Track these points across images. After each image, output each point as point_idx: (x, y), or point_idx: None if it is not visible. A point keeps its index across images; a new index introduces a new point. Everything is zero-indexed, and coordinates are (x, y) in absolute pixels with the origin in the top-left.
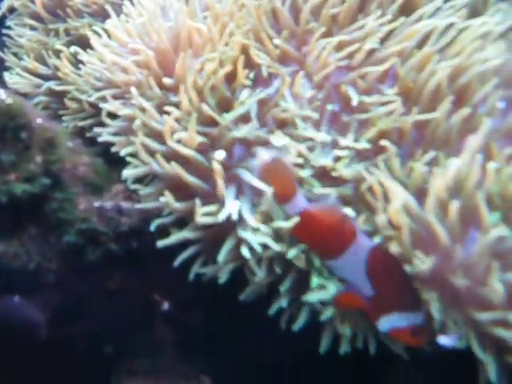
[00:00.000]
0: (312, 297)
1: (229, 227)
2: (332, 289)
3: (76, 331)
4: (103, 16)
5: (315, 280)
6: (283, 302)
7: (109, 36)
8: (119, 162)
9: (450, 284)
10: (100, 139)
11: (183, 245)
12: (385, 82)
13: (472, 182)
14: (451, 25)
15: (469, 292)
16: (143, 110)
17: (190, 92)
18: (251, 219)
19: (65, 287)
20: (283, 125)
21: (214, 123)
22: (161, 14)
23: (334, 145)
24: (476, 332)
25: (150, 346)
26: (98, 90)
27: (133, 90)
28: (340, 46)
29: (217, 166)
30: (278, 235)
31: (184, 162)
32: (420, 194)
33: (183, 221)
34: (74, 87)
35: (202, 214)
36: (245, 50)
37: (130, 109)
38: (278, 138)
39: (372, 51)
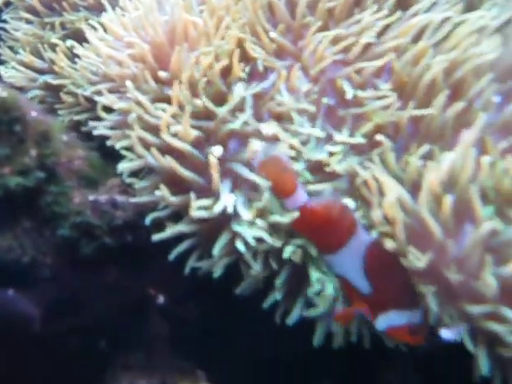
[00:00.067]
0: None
1: (224, 221)
2: (329, 289)
3: (71, 325)
4: (99, 10)
5: (314, 274)
6: (278, 295)
7: (105, 30)
8: (115, 157)
9: (445, 278)
10: (95, 133)
11: (178, 239)
12: (381, 76)
13: (466, 175)
14: (447, 19)
15: (462, 286)
16: (139, 103)
17: (184, 86)
18: (246, 213)
19: (59, 281)
20: (279, 119)
21: (208, 117)
22: (157, 8)
23: (329, 139)
24: (469, 326)
25: (146, 341)
26: (93, 83)
27: (128, 83)
28: (336, 41)
29: (213, 160)
30: (275, 229)
31: (179, 156)
32: (415, 187)
33: (178, 215)
34: (70, 81)
35: (197, 208)
36: (240, 44)
37: (126, 102)
38: (268, 126)
39: (368, 45)
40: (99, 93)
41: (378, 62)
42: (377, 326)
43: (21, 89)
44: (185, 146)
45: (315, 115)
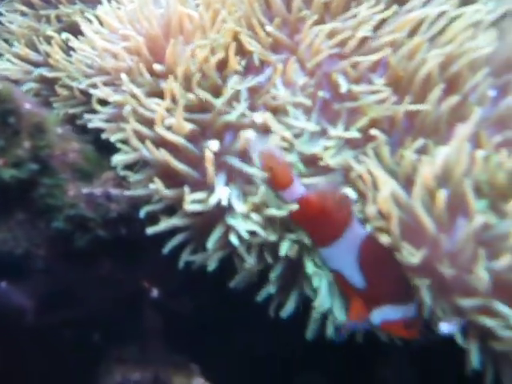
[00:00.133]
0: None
1: (218, 215)
2: (324, 284)
3: (64, 318)
4: (95, 2)
5: (310, 268)
6: (272, 289)
7: (100, 23)
8: (110, 150)
9: (438, 273)
10: (90, 125)
11: (173, 232)
12: (376, 70)
13: (460, 170)
14: (443, 13)
15: (455, 280)
16: (134, 96)
17: (180, 79)
18: (240, 206)
19: (53, 273)
20: (275, 112)
21: (204, 110)
22: (152, 1)
23: (324, 133)
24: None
25: (139, 334)
26: (88, 76)
27: (123, 76)
28: (332, 35)
29: (209, 155)
30: (271, 223)
31: (173, 149)
32: (409, 182)
33: (173, 208)
34: (65, 74)
35: (191, 202)
36: (236, 38)
37: (121, 95)
38: (260, 115)
39: (365, 39)
40: (94, 86)
41: (374, 57)
42: (371, 321)
43: (16, 81)
44: (179, 140)
45: (311, 109)
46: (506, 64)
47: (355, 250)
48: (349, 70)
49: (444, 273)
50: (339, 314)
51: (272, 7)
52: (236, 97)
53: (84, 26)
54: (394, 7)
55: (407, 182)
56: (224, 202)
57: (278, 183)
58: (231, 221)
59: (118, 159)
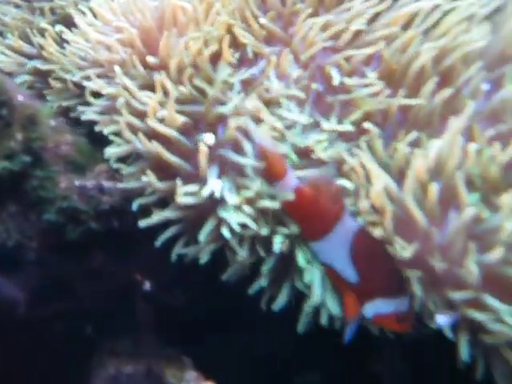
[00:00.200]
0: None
1: (210, 207)
2: (317, 278)
3: (56, 310)
4: None
5: (301, 259)
6: (263, 282)
7: (94, 15)
8: (104, 143)
9: (430, 266)
10: (84, 117)
11: (165, 225)
12: (370, 64)
13: (453, 163)
14: (437, 6)
15: (446, 273)
16: (127, 88)
17: (173, 71)
18: (232, 198)
19: (45, 265)
20: (268, 105)
21: (195, 103)
22: None
23: (317, 126)
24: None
25: (132, 327)
26: (82, 69)
27: (116, 68)
28: (326, 27)
29: (203, 147)
30: (263, 215)
31: (166, 141)
32: (402, 175)
33: (165, 201)
34: (59, 66)
35: (183, 194)
36: (230, 30)
37: (114, 87)
38: (251, 101)
39: (358, 33)
40: (88, 78)
41: (368, 50)
42: (364, 314)
43: (10, 74)
44: (171, 132)
45: (304, 101)
46: (499, 58)
47: (347, 244)
48: (342, 63)
49: (435, 266)
50: (332, 307)
51: (266, 1)
52: (228, 88)
53: (78, 19)
54: (388, 1)
55: (400, 175)
56: (217, 194)
57: (271, 174)
58: (223, 213)
59: (110, 152)
